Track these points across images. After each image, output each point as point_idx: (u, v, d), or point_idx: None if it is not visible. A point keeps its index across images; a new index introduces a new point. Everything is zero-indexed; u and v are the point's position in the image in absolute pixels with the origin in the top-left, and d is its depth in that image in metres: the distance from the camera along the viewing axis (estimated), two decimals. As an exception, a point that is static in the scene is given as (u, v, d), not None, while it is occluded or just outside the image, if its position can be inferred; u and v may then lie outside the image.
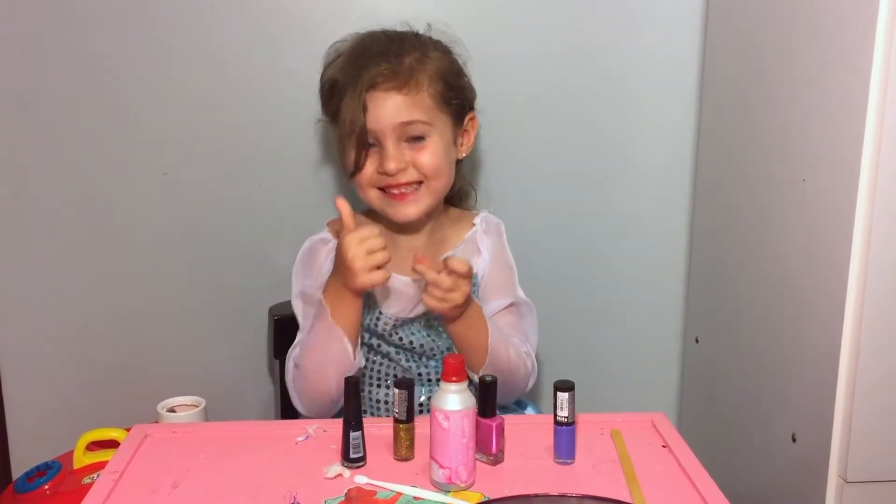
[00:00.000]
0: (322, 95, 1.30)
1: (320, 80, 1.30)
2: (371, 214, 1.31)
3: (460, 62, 1.30)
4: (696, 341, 1.65)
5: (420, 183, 1.23)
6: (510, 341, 1.25)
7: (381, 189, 1.24)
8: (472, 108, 1.31)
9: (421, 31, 1.30)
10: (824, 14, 1.15)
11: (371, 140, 1.21)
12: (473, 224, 1.34)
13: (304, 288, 1.28)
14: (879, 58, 1.03)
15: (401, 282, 1.25)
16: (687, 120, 1.64)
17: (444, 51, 1.27)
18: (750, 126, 1.38)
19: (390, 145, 1.20)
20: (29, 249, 1.58)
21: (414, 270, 1.15)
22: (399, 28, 1.30)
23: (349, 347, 1.17)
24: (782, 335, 1.28)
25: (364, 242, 1.12)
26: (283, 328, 1.44)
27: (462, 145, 1.30)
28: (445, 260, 1.13)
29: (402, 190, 1.23)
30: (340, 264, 1.14)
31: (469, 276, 1.14)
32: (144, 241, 1.59)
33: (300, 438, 1.08)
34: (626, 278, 1.71)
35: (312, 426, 1.11)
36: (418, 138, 1.22)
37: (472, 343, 1.20)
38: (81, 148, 1.55)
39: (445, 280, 1.12)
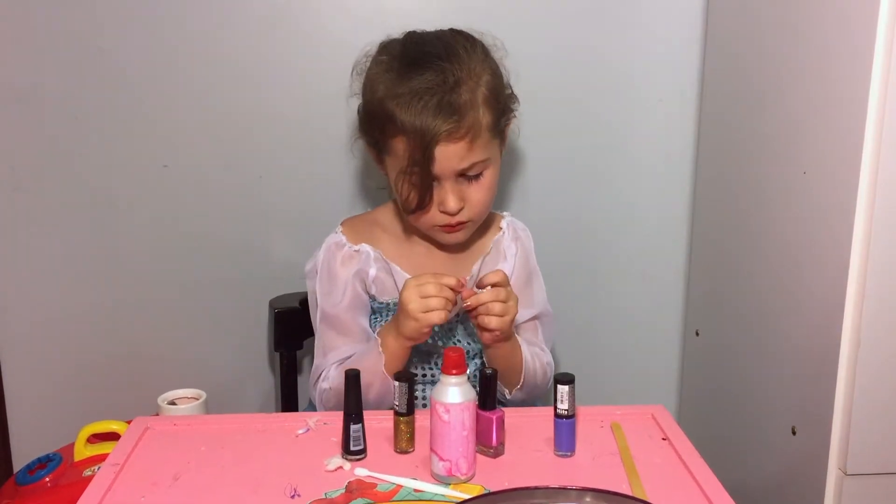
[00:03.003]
0: (367, 122, 1.23)
1: (364, 106, 1.24)
2: (386, 219, 1.30)
3: (503, 69, 1.25)
4: (697, 334, 1.65)
5: (469, 221, 1.23)
6: (537, 356, 1.26)
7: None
8: (514, 114, 1.28)
9: (469, 39, 1.23)
10: (825, 7, 1.15)
11: (423, 180, 1.19)
12: (500, 228, 1.33)
13: (328, 308, 1.26)
14: (881, 50, 1.03)
15: None
16: (688, 114, 1.63)
17: (491, 66, 1.22)
18: (751, 120, 1.38)
19: (450, 186, 1.19)
20: (30, 242, 1.58)
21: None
22: (439, 32, 1.23)
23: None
24: (782, 328, 1.28)
25: (420, 287, 1.11)
26: (284, 321, 1.45)
27: (502, 149, 1.28)
28: (480, 280, 1.13)
29: (456, 225, 1.22)
30: (400, 309, 1.14)
31: (506, 282, 1.14)
32: (145, 234, 1.60)
33: (301, 431, 1.09)
34: (626, 271, 1.71)
35: (313, 419, 1.11)
36: (476, 175, 1.20)
37: (511, 363, 1.20)
38: (82, 141, 1.55)
39: (500, 292, 1.12)
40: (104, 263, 1.60)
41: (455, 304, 1.13)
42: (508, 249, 1.31)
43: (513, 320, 1.15)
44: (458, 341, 1.27)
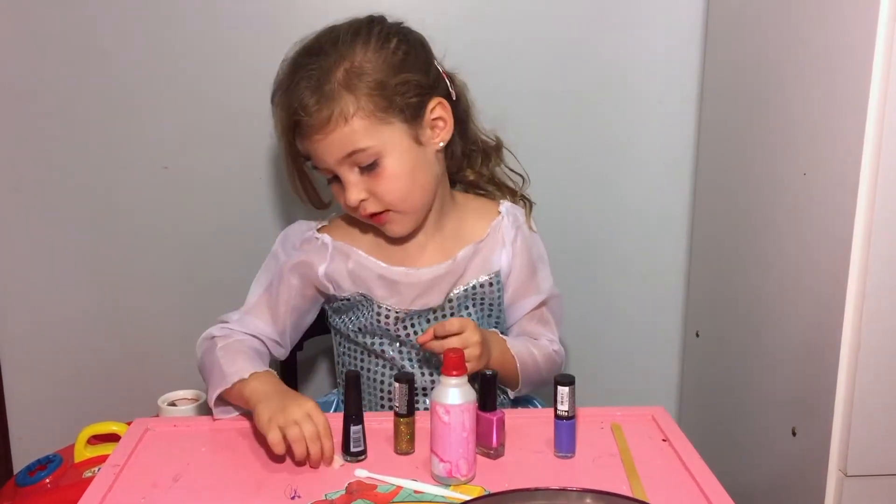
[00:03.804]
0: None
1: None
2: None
3: (408, 47, 1.16)
4: (697, 335, 1.65)
5: (387, 211, 1.17)
6: (536, 348, 1.25)
7: None
8: (433, 95, 1.17)
9: (354, 27, 1.16)
10: (825, 8, 1.15)
11: (328, 175, 1.17)
12: (499, 213, 1.27)
13: (263, 276, 1.28)
14: (881, 51, 1.03)
15: (399, 272, 1.21)
16: (688, 115, 1.63)
17: (377, 48, 1.13)
18: (751, 120, 1.38)
19: (346, 177, 1.15)
20: (30, 243, 1.58)
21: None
22: (338, 25, 1.18)
23: (217, 413, 1.13)
24: (782, 329, 1.28)
25: (302, 426, 1.00)
26: (284, 322, 1.44)
27: (435, 137, 1.18)
28: (441, 327, 1.10)
29: (376, 215, 1.18)
30: (262, 412, 1.02)
31: (464, 327, 1.11)
32: (145, 235, 1.60)
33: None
34: (626, 273, 1.71)
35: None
36: (370, 165, 1.13)
37: (502, 374, 1.18)
38: (82, 142, 1.55)
39: (453, 340, 1.10)
40: (104, 264, 1.60)
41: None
42: (507, 235, 1.26)
43: (479, 358, 1.11)
44: (422, 327, 1.24)
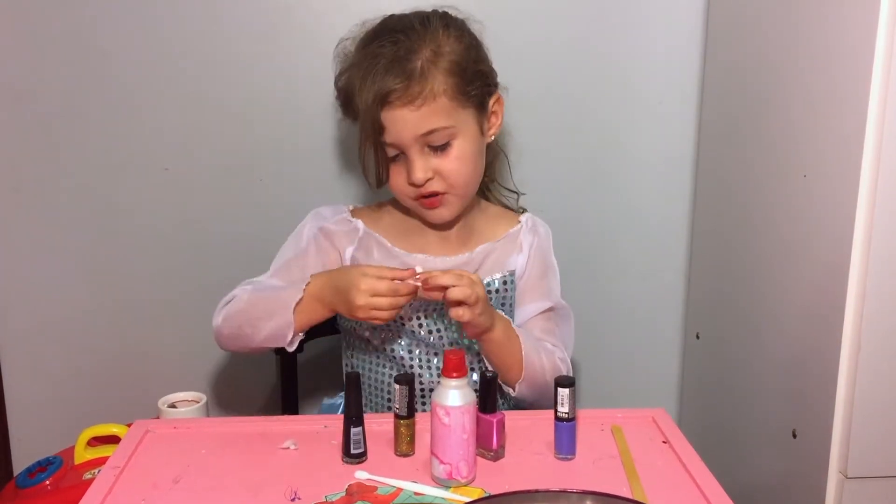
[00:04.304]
0: (339, 102, 1.26)
1: (335, 85, 1.26)
2: (397, 203, 1.30)
3: (476, 41, 1.24)
4: (697, 337, 1.65)
5: (445, 193, 1.21)
6: (544, 350, 1.24)
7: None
8: (495, 89, 1.26)
9: (431, 14, 1.23)
10: (825, 9, 1.15)
11: (394, 152, 1.20)
12: (519, 222, 1.33)
13: (287, 252, 1.29)
14: (881, 52, 1.03)
15: (418, 259, 1.25)
16: (688, 115, 1.63)
17: (457, 36, 1.20)
18: (751, 121, 1.38)
19: (414, 156, 1.18)
20: (30, 244, 1.58)
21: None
22: (406, 13, 1.24)
23: (291, 337, 1.18)
24: (783, 331, 1.28)
25: (374, 284, 1.10)
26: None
27: (490, 129, 1.25)
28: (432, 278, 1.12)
29: (432, 197, 1.22)
30: (342, 288, 1.13)
31: (462, 273, 1.12)
32: (145, 236, 1.60)
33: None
34: (626, 274, 1.70)
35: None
36: (443, 146, 1.18)
37: (506, 358, 1.19)
38: (83, 143, 1.55)
39: (459, 275, 1.10)
40: (104, 265, 1.60)
41: (402, 305, 1.12)
42: (525, 241, 1.31)
43: (481, 303, 1.11)
44: (437, 319, 1.25)
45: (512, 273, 1.29)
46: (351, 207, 1.33)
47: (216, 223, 1.60)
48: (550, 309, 1.30)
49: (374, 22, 1.24)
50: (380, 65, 1.15)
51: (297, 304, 1.16)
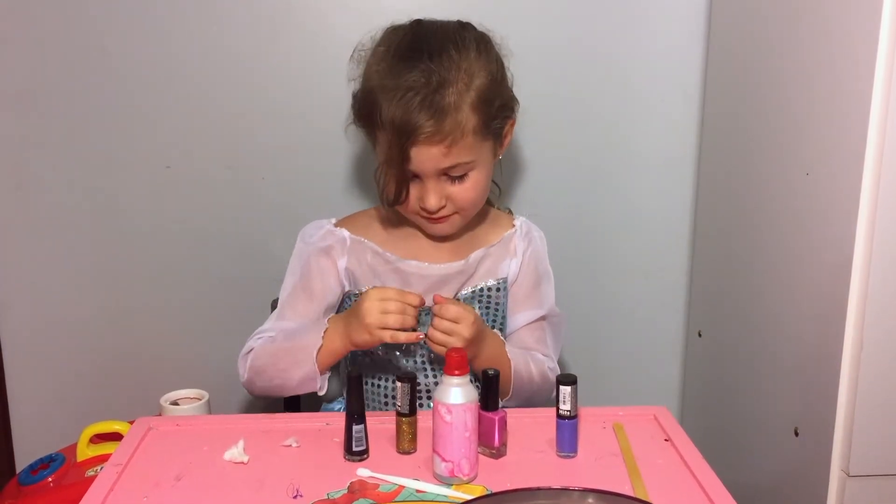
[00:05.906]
0: (355, 112, 1.23)
1: (353, 94, 1.24)
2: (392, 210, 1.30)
3: (502, 64, 1.23)
4: (699, 335, 1.65)
5: (455, 214, 1.22)
6: (533, 363, 1.24)
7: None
8: (513, 115, 1.25)
9: (465, 34, 1.20)
10: (828, 7, 1.15)
11: (410, 174, 1.19)
12: (513, 226, 1.32)
13: (289, 284, 1.28)
14: (883, 50, 1.03)
15: (412, 265, 1.25)
16: (690, 114, 1.63)
17: (487, 66, 1.18)
18: (753, 119, 1.38)
19: (431, 184, 1.18)
20: (32, 242, 1.58)
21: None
22: (438, 23, 1.21)
23: (321, 383, 1.18)
24: (785, 329, 1.28)
25: (383, 302, 1.11)
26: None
27: (501, 150, 1.26)
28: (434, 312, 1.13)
29: (438, 215, 1.22)
30: (354, 312, 1.14)
31: (459, 319, 1.12)
32: (147, 234, 1.60)
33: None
34: (628, 272, 1.70)
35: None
36: (461, 176, 1.19)
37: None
38: (84, 141, 1.55)
39: (453, 312, 1.12)
40: (106, 263, 1.60)
41: (413, 326, 1.12)
42: (519, 247, 1.31)
43: (466, 339, 1.12)
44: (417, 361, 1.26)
45: (504, 279, 1.29)
46: (334, 221, 1.31)
47: (218, 221, 1.60)
48: (543, 318, 1.31)
49: (401, 26, 1.21)
50: (412, 100, 1.12)
51: (319, 350, 1.16)
